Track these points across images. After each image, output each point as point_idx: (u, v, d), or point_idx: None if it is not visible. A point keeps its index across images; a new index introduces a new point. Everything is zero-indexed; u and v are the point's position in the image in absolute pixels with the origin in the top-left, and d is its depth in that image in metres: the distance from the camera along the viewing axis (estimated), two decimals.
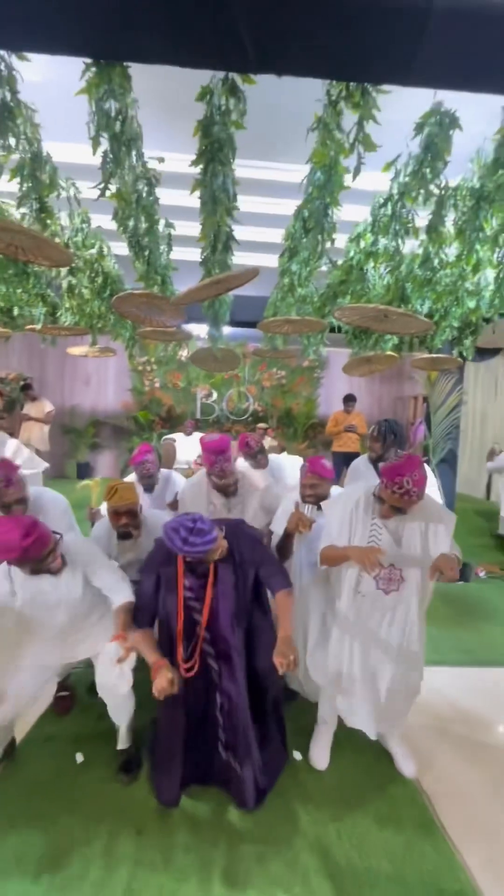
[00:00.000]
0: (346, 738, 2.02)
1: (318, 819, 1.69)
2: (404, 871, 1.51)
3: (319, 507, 2.05)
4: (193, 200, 1.96)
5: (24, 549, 1.52)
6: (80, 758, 1.93)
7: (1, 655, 1.78)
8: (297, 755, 1.98)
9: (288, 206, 2.45)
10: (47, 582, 1.70)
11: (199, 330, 4.24)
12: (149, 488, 2.75)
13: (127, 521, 2.09)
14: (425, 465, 1.79)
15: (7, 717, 1.79)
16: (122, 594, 1.77)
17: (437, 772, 1.95)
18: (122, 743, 1.92)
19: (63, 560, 1.73)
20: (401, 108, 1.56)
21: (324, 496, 2.08)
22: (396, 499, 1.63)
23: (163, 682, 1.49)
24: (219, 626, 1.69)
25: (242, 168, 1.93)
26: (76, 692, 2.31)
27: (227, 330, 3.92)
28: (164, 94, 2.04)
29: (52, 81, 1.85)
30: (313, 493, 2.08)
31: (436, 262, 2.36)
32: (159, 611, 1.74)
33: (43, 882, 1.43)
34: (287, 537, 2.02)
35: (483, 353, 5.36)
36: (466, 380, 7.13)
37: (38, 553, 1.58)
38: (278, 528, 2.09)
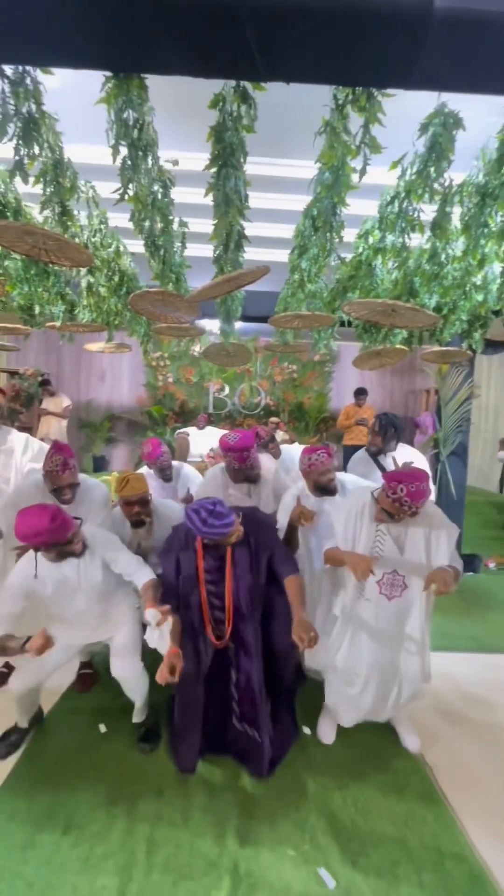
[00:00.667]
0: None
1: (326, 787, 1.79)
2: (406, 834, 1.61)
3: (324, 495, 2.15)
4: (207, 198, 2.05)
5: (52, 532, 1.65)
6: (103, 728, 2.07)
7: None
8: (307, 730, 2.08)
9: (298, 203, 2.52)
10: (69, 568, 1.82)
11: (212, 325, 4.33)
12: (167, 479, 2.86)
13: (139, 510, 2.19)
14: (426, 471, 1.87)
15: (26, 685, 1.88)
16: (144, 575, 1.88)
17: (440, 748, 2.03)
18: (138, 717, 2.05)
19: (84, 545, 1.85)
20: (408, 103, 1.62)
21: (333, 489, 2.14)
22: (389, 503, 1.71)
23: (167, 669, 1.59)
24: (236, 607, 1.80)
25: (253, 165, 2.01)
26: (98, 670, 2.44)
27: (238, 325, 4.01)
28: (179, 96, 2.12)
29: (71, 86, 1.94)
30: (322, 484, 2.12)
31: (443, 257, 2.42)
32: (179, 592, 1.84)
33: (72, 834, 1.56)
34: (291, 529, 2.11)
35: (496, 346, 5.36)
36: (479, 373, 7.11)
37: (63, 535, 1.70)
38: (282, 519, 2.19)
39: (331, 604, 2.06)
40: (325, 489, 2.13)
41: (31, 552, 1.81)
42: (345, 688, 1.94)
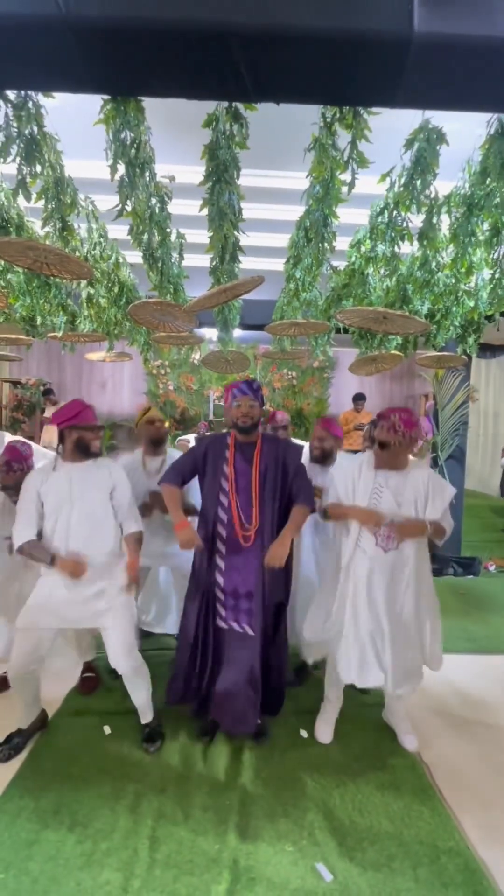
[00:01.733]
0: (350, 715, 2.16)
1: (323, 785, 1.82)
2: (402, 830, 1.64)
3: (324, 465, 2.36)
4: (203, 210, 2.12)
5: (88, 407, 1.93)
6: (107, 730, 2.10)
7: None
8: (303, 733, 2.11)
9: (292, 213, 2.60)
10: (79, 472, 1.92)
11: (211, 334, 4.41)
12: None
13: (160, 426, 2.54)
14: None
15: (22, 667, 1.87)
16: (133, 524, 2.03)
17: (437, 747, 2.06)
18: (144, 717, 2.08)
19: (99, 451, 2.00)
20: (396, 116, 1.68)
21: (330, 452, 2.39)
22: (384, 433, 1.84)
23: (187, 535, 1.89)
24: (259, 503, 1.98)
25: (247, 177, 2.08)
26: (100, 674, 2.49)
27: (237, 333, 4.08)
28: (175, 114, 2.20)
29: (71, 105, 2.02)
30: (321, 447, 2.40)
31: (433, 264, 2.48)
32: (206, 489, 2.06)
33: (77, 831, 1.60)
34: None
35: (493, 351, 5.43)
36: (477, 378, 7.16)
37: (93, 417, 1.95)
38: None
39: (327, 577, 2.13)
40: (323, 454, 2.41)
41: (47, 461, 2.00)
42: (347, 644, 1.91)
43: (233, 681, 1.96)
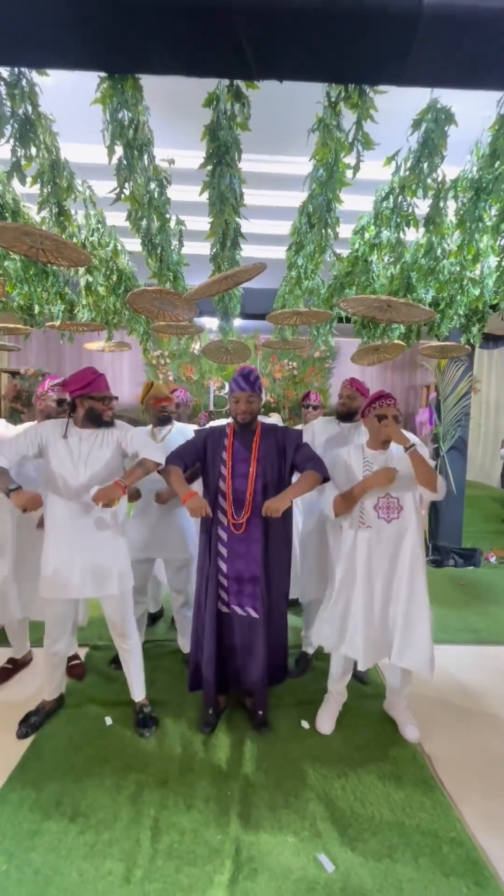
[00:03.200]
0: (352, 706, 2.16)
1: (325, 776, 1.83)
2: (404, 820, 1.64)
3: (349, 422, 2.50)
4: (203, 195, 2.06)
5: (100, 376, 1.96)
6: (108, 721, 2.10)
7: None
8: (305, 724, 2.11)
9: (294, 199, 2.53)
10: (88, 436, 1.94)
11: (211, 323, 4.35)
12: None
13: (165, 405, 2.56)
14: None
15: (58, 644, 2.04)
16: (151, 453, 1.95)
17: (439, 737, 2.06)
18: (137, 694, 2.12)
19: (112, 420, 2.00)
20: (402, 98, 1.63)
21: (356, 410, 2.48)
22: (377, 410, 1.94)
23: (196, 503, 1.86)
24: (256, 492, 2.00)
25: (249, 162, 2.03)
26: (85, 662, 2.59)
27: (237, 322, 4.02)
28: (174, 95, 2.13)
29: (66, 86, 1.96)
30: (349, 406, 2.49)
31: (438, 251, 2.43)
32: (209, 473, 2.09)
33: (79, 822, 1.60)
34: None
35: (496, 341, 5.37)
36: (479, 368, 7.11)
37: (105, 386, 1.97)
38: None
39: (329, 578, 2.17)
40: (349, 412, 2.51)
41: (59, 423, 1.98)
42: (355, 623, 1.93)
43: (242, 661, 2.08)
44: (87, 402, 1.93)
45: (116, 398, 2.04)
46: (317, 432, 2.55)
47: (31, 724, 2.03)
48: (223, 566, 2.03)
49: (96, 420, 1.95)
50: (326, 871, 1.45)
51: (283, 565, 2.11)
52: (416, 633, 1.90)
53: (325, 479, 1.99)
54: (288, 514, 2.04)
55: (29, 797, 1.70)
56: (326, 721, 2.09)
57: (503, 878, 1.45)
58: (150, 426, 2.63)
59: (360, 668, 1.95)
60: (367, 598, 1.92)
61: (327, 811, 1.66)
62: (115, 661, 2.45)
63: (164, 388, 2.59)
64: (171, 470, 2.02)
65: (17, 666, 2.51)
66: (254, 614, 2.00)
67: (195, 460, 2.10)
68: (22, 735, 1.98)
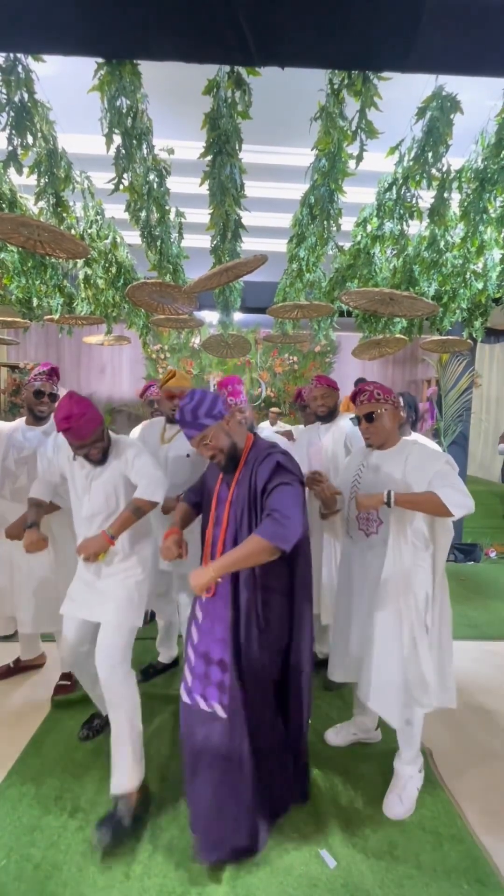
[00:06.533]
0: (352, 703, 2.14)
1: (327, 772, 1.83)
2: (405, 817, 1.64)
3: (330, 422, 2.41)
4: (203, 187, 2.03)
5: (72, 421, 1.61)
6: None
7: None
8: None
9: (295, 191, 2.49)
10: (90, 468, 1.76)
11: (211, 317, 4.32)
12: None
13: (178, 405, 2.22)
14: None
15: (71, 662, 1.84)
16: (148, 488, 1.69)
17: (439, 733, 2.06)
18: (115, 773, 1.61)
19: (104, 455, 1.75)
20: (405, 87, 1.59)
21: (334, 407, 2.40)
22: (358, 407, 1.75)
23: (167, 542, 1.55)
24: (226, 542, 1.50)
25: (249, 153, 1.99)
26: (75, 685, 2.28)
27: (238, 316, 3.99)
28: (173, 83, 2.09)
29: (64, 75, 1.92)
30: (324, 404, 2.39)
31: (442, 244, 2.40)
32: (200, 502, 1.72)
33: (78, 818, 1.60)
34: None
35: (497, 335, 5.33)
36: (480, 363, 7.07)
37: (82, 434, 1.64)
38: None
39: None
40: (329, 412, 2.44)
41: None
42: (335, 636, 1.85)
43: (198, 793, 1.44)
44: (72, 444, 1.70)
45: (103, 431, 1.75)
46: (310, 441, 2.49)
47: (94, 726, 2.01)
48: (194, 635, 1.55)
49: (86, 457, 1.74)
50: (329, 867, 1.45)
51: (267, 649, 1.48)
52: (384, 675, 1.61)
53: (279, 548, 1.32)
54: (273, 583, 1.49)
55: (28, 792, 1.70)
56: (334, 736, 2.01)
57: None
58: (161, 419, 2.40)
59: (330, 677, 1.83)
60: (345, 611, 1.79)
61: (329, 808, 1.66)
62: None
63: (185, 381, 2.31)
64: (178, 508, 1.74)
65: (19, 668, 2.48)
66: (219, 712, 1.43)
67: (201, 496, 1.73)
68: (83, 737, 1.96)
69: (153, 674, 2.49)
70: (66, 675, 2.32)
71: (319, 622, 2.37)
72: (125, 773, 1.58)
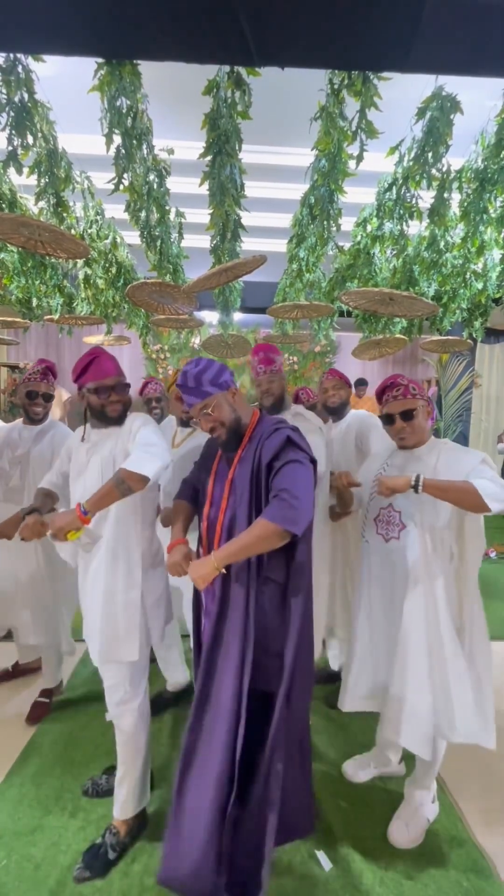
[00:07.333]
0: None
1: (327, 773, 1.83)
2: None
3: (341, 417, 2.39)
4: (203, 188, 2.03)
5: (98, 358, 1.52)
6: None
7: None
8: None
9: (295, 192, 2.49)
10: (93, 442, 1.56)
11: (211, 317, 4.32)
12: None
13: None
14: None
15: None
16: (140, 459, 1.36)
17: None
18: (116, 802, 1.54)
19: (122, 416, 1.57)
20: (405, 87, 1.59)
21: (346, 400, 2.40)
22: (386, 405, 1.60)
23: (173, 557, 1.37)
24: (224, 527, 1.36)
25: (249, 154, 1.99)
26: (51, 703, 2.22)
27: (238, 316, 3.99)
28: (173, 83, 2.09)
29: (64, 75, 1.92)
30: (336, 395, 2.38)
31: (441, 244, 2.40)
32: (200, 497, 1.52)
33: (79, 817, 1.60)
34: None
35: (497, 336, 5.33)
36: (480, 363, 7.07)
37: (107, 370, 1.51)
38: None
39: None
40: (341, 404, 2.43)
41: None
42: (352, 661, 1.64)
43: (184, 824, 1.25)
44: (87, 395, 1.52)
45: (126, 385, 1.56)
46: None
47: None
48: (206, 623, 1.45)
49: (103, 418, 1.54)
50: (324, 869, 1.45)
51: (270, 650, 1.31)
52: (416, 708, 1.44)
53: (289, 532, 1.20)
54: (273, 577, 1.32)
55: (28, 792, 1.70)
56: (351, 765, 1.83)
57: (503, 874, 1.44)
58: (172, 421, 2.29)
59: (340, 706, 1.64)
60: (365, 623, 1.62)
61: (328, 809, 1.66)
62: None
63: None
64: (174, 505, 1.58)
65: (18, 671, 2.48)
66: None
67: (199, 483, 1.56)
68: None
69: (164, 705, 2.20)
70: (46, 692, 2.22)
71: (333, 633, 2.36)
72: (119, 802, 1.53)
